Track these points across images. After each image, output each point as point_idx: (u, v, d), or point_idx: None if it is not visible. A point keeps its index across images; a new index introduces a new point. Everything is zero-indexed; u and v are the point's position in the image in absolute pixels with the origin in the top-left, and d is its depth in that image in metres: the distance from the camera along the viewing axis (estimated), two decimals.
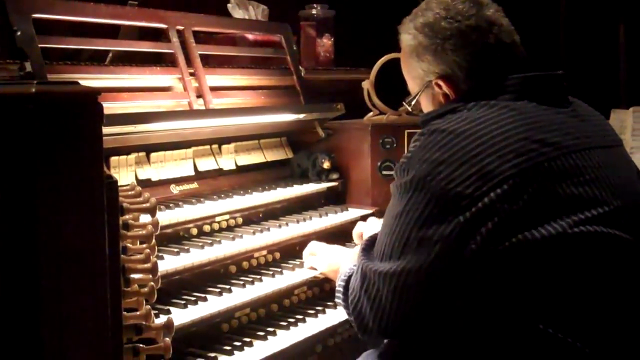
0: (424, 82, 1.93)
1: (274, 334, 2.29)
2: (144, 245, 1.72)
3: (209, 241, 2.42)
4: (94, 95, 1.41)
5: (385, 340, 2.02)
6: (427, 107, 1.99)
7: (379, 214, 2.95)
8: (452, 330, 1.72)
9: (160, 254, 2.23)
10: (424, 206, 1.66)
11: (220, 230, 2.59)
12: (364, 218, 2.94)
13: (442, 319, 1.72)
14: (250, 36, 3.24)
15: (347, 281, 1.97)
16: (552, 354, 1.63)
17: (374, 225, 2.46)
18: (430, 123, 1.77)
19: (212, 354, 2.13)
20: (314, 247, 2.55)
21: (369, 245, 1.89)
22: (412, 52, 1.93)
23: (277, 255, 2.66)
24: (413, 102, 2.01)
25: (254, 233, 2.55)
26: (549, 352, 1.63)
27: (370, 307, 1.79)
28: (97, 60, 2.61)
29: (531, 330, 1.63)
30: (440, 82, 1.88)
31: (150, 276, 1.68)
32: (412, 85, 2.01)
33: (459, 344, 1.72)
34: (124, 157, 2.43)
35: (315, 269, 2.54)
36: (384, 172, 3.02)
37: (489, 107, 1.74)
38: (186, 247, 2.33)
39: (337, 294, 2.04)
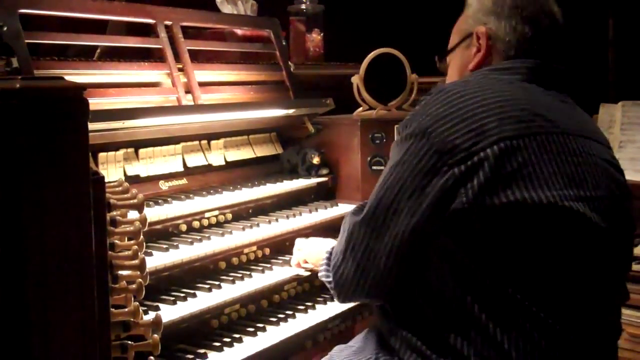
0: (466, 32, 1.98)
1: (263, 330, 2.29)
2: (132, 242, 1.70)
3: (198, 237, 2.41)
4: (79, 91, 1.39)
5: (363, 334, 2.02)
6: (453, 67, 2.04)
7: None
8: (426, 287, 1.74)
9: (149, 250, 2.22)
10: (422, 155, 1.70)
11: (210, 226, 2.58)
12: None
13: (420, 275, 1.74)
14: (239, 31, 3.23)
15: (330, 252, 1.98)
16: (517, 319, 1.65)
17: (314, 243, 2.50)
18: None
19: (202, 350, 2.13)
20: (301, 243, 2.55)
21: (360, 207, 1.90)
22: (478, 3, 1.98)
23: (267, 251, 2.66)
24: (448, 56, 2.05)
25: (243, 229, 2.55)
26: (514, 317, 1.66)
27: (357, 265, 1.81)
28: (84, 55, 2.60)
29: (501, 293, 1.65)
30: (482, 32, 1.92)
31: (139, 272, 1.67)
32: (453, 40, 2.05)
33: (432, 303, 1.74)
34: (112, 153, 2.42)
35: (304, 267, 2.54)
36: (374, 167, 3.02)
37: (497, 79, 1.82)
38: (175, 244, 2.33)
39: (320, 270, 2.04)
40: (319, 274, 2.05)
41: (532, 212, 1.65)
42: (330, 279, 1.91)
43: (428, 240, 1.71)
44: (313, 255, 2.47)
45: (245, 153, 2.96)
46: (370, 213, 1.79)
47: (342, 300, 1.93)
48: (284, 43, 3.20)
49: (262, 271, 2.49)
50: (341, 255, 1.86)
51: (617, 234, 1.78)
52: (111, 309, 1.58)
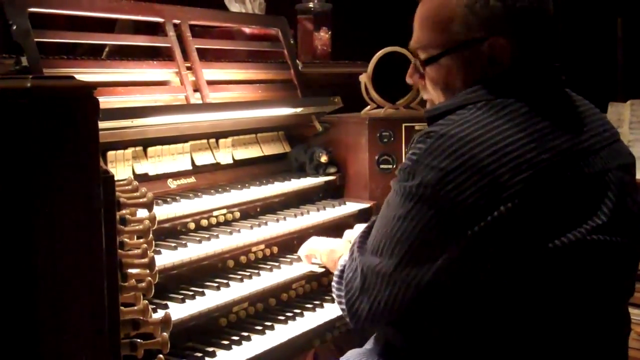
0: (456, 41, 1.79)
1: (272, 328, 2.29)
2: (141, 240, 1.71)
3: (207, 236, 2.41)
4: (89, 90, 1.40)
5: (372, 338, 2.03)
6: (441, 81, 1.88)
7: (376, 208, 2.95)
8: (442, 327, 1.73)
9: (157, 249, 2.22)
10: (430, 217, 1.61)
11: (218, 224, 2.58)
12: (361, 212, 2.95)
13: (434, 318, 1.72)
14: (247, 30, 3.23)
15: (342, 271, 1.97)
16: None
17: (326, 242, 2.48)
18: (437, 122, 1.68)
19: (211, 349, 2.13)
20: (314, 242, 2.54)
21: (365, 237, 1.87)
22: None
23: (275, 249, 2.66)
24: (423, 69, 1.92)
25: (251, 227, 2.55)
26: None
27: (370, 306, 1.77)
28: (93, 54, 2.61)
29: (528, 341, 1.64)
30: (502, 42, 1.72)
31: (148, 271, 1.68)
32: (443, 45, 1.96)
33: (450, 341, 1.72)
34: (121, 151, 2.42)
35: (315, 264, 2.53)
36: (382, 166, 3.02)
37: (499, 108, 1.65)
38: (184, 242, 2.33)
39: (333, 283, 2.02)
40: (333, 290, 2.05)
41: (558, 256, 1.60)
42: (344, 307, 1.87)
43: (442, 297, 1.66)
44: (324, 257, 2.43)
45: (253, 151, 2.96)
46: (379, 259, 1.72)
47: (355, 326, 1.89)
48: (291, 41, 3.20)
49: (270, 270, 2.49)
50: (357, 292, 1.80)
51: (633, 246, 1.75)
52: (121, 307, 1.59)
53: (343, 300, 1.88)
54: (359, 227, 2.54)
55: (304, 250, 2.55)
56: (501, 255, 1.59)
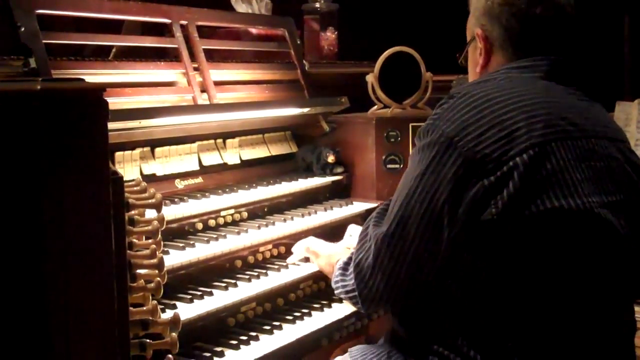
0: (472, 34, 1.95)
1: (280, 328, 2.30)
2: (150, 241, 1.71)
3: (215, 236, 2.42)
4: (99, 92, 1.41)
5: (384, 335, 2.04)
6: (470, 66, 2.01)
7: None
8: (446, 294, 1.74)
9: (165, 249, 2.23)
10: (449, 166, 1.65)
11: (226, 224, 2.59)
12: (368, 212, 2.95)
13: (447, 286, 1.73)
14: (253, 30, 3.24)
15: (346, 263, 1.97)
16: (532, 326, 1.66)
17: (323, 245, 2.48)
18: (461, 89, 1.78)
19: (219, 349, 2.13)
20: (313, 244, 2.52)
21: (379, 215, 1.88)
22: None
23: (283, 249, 2.66)
24: (462, 55, 2.03)
25: (259, 227, 2.55)
26: (529, 322, 1.66)
27: (387, 279, 1.78)
28: (100, 55, 2.61)
29: (517, 304, 1.65)
30: (479, 34, 1.89)
31: (157, 271, 1.68)
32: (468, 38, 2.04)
33: (448, 309, 1.74)
34: (128, 152, 2.43)
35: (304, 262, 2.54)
36: (389, 166, 3.02)
37: (520, 79, 1.77)
38: (191, 242, 2.34)
39: (335, 280, 2.03)
40: (334, 286, 2.05)
41: (566, 219, 1.62)
42: (354, 292, 1.89)
43: (456, 253, 1.68)
44: (322, 260, 2.41)
45: (260, 152, 2.97)
46: (397, 226, 1.74)
47: (368, 309, 1.92)
48: (298, 42, 3.21)
49: (278, 269, 2.50)
50: (369, 270, 1.82)
51: (635, 239, 1.76)
52: (130, 308, 1.59)
53: (350, 287, 1.89)
54: (353, 227, 2.55)
55: (300, 248, 2.54)
56: (508, 210, 1.60)
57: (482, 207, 1.62)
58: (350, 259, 1.97)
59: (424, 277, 1.75)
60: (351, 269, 1.91)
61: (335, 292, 2.05)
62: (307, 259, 2.56)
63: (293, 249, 2.57)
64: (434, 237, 1.69)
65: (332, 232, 2.70)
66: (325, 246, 2.47)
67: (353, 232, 2.54)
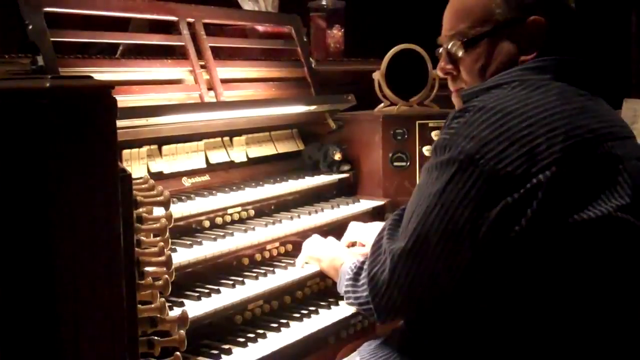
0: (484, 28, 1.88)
1: (287, 325, 2.30)
2: (158, 239, 1.72)
3: (222, 233, 2.42)
4: (108, 90, 1.41)
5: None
6: (469, 63, 1.93)
7: (390, 206, 2.95)
8: (473, 314, 1.73)
9: (173, 247, 2.23)
10: (471, 185, 1.62)
11: (233, 222, 2.59)
12: (375, 209, 2.96)
13: (468, 302, 1.73)
14: (260, 28, 3.24)
15: (357, 273, 1.96)
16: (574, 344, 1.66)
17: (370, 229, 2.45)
18: (474, 100, 1.73)
19: (226, 346, 2.14)
20: (314, 249, 2.49)
21: (394, 227, 1.86)
22: None
23: (290, 247, 2.66)
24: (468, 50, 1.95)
25: (266, 225, 2.55)
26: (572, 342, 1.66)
27: (403, 295, 1.77)
28: (107, 53, 2.62)
29: (559, 319, 1.65)
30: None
31: (165, 269, 1.69)
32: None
33: (478, 329, 1.73)
34: (135, 150, 2.44)
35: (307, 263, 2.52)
36: (395, 164, 3.02)
37: (533, 88, 1.72)
38: (199, 240, 2.34)
39: (345, 289, 2.01)
40: (342, 294, 2.04)
41: (590, 229, 1.62)
42: (368, 305, 1.87)
43: (476, 268, 1.67)
44: (325, 262, 2.37)
45: (267, 149, 2.97)
46: (416, 243, 1.72)
47: (384, 321, 1.91)
48: (305, 39, 3.21)
49: (285, 267, 2.50)
50: (384, 285, 1.80)
51: None
52: (138, 305, 1.60)
53: (364, 299, 1.87)
54: (355, 225, 2.54)
55: (301, 261, 2.51)
56: (532, 227, 1.60)
57: (506, 224, 1.60)
58: (358, 267, 1.96)
59: (441, 292, 1.74)
60: (363, 280, 1.89)
61: (345, 301, 2.04)
62: None
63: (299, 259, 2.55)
64: (453, 254, 1.67)
65: (339, 230, 2.69)
66: (326, 247, 2.44)
67: (354, 229, 2.53)
